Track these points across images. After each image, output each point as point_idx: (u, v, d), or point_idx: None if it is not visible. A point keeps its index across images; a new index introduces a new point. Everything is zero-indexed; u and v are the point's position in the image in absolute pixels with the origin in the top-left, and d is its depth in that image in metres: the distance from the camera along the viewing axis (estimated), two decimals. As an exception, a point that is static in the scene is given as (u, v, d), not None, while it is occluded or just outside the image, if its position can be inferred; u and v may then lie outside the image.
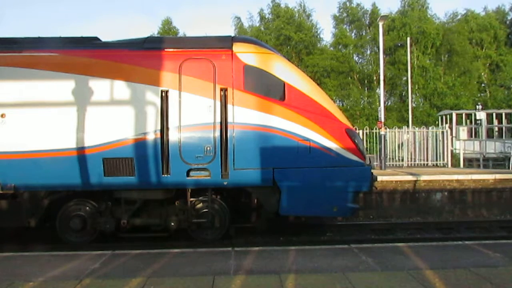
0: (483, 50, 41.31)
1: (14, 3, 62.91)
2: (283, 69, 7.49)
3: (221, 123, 7.13)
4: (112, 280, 4.76)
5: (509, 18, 43.57)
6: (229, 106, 7.16)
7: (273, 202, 7.42)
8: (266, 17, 42.98)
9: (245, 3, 69.01)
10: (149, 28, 59.16)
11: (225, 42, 7.53)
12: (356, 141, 7.46)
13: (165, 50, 7.43)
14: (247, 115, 7.17)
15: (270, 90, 7.32)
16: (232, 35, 8.63)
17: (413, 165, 17.22)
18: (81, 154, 7.00)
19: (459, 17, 42.68)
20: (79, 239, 7.52)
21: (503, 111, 26.57)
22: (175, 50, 7.43)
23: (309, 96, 7.44)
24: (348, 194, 7.44)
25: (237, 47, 7.43)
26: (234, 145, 7.10)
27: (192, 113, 7.14)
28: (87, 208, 7.56)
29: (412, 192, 11.56)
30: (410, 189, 11.58)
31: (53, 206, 7.56)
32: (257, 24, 42.85)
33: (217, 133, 7.10)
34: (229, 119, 7.14)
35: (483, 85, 42.02)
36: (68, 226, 7.46)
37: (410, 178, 11.75)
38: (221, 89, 7.20)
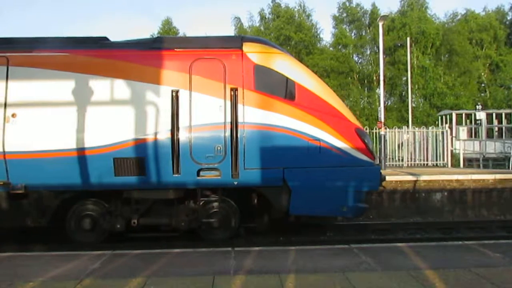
0: (483, 50, 41.32)
1: (14, 3, 62.96)
2: (293, 69, 7.51)
3: (231, 123, 7.13)
4: (112, 280, 4.75)
5: (509, 18, 43.61)
6: (239, 106, 7.16)
7: (283, 201, 7.41)
8: (266, 17, 43.03)
9: (245, 3, 69.08)
10: (149, 28, 59.17)
11: (235, 42, 7.56)
12: (365, 141, 7.47)
13: (176, 50, 7.45)
14: (258, 115, 7.18)
15: (281, 90, 7.33)
16: (242, 35, 8.68)
17: (413, 165, 17.22)
18: (91, 154, 6.99)
19: (459, 17, 42.75)
20: (90, 239, 7.49)
21: (503, 111, 26.61)
22: (185, 50, 7.44)
23: (319, 96, 7.45)
24: (358, 194, 7.45)
25: (247, 47, 7.44)
26: (245, 145, 7.10)
27: (203, 113, 7.14)
28: (97, 208, 7.54)
29: (412, 192, 11.56)
30: (410, 189, 11.58)
31: (62, 206, 7.54)
32: (257, 24, 42.90)
33: (228, 133, 7.11)
34: (240, 119, 7.14)
35: (483, 85, 42.03)
36: (78, 226, 7.46)
37: (410, 178, 11.75)
38: (231, 89, 7.20)
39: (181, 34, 41.29)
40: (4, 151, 6.95)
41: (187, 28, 55.84)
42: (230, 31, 42.31)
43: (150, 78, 7.20)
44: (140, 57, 7.34)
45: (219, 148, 7.08)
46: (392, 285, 4.52)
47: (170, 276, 4.89)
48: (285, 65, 7.50)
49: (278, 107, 7.24)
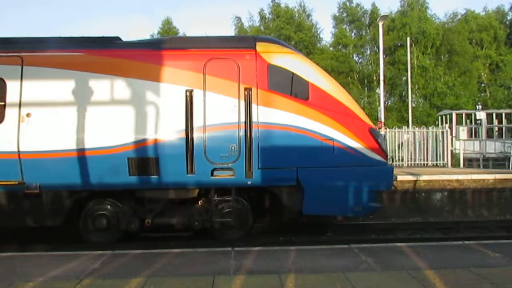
0: (483, 50, 41.38)
1: (14, 3, 62.96)
2: (306, 69, 7.54)
3: (245, 122, 7.15)
4: (112, 280, 4.75)
5: (509, 18, 43.66)
6: (254, 106, 7.18)
7: (296, 201, 7.42)
8: (266, 17, 43.06)
9: (245, 3, 69.08)
10: (149, 28, 59.21)
11: (249, 42, 7.61)
12: (379, 141, 7.50)
13: (190, 49, 7.47)
14: (271, 114, 7.20)
15: (294, 89, 7.36)
16: (254, 35, 8.73)
17: (413, 165, 17.20)
18: (106, 154, 7.00)
19: (459, 17, 42.85)
20: (103, 239, 7.47)
21: (503, 111, 26.64)
22: (199, 50, 7.46)
23: (332, 96, 7.48)
24: (371, 194, 7.48)
25: (261, 47, 7.47)
26: (259, 145, 7.12)
27: (217, 112, 7.16)
28: (111, 207, 7.53)
29: (412, 192, 11.55)
30: (410, 189, 11.57)
31: (75, 206, 7.53)
32: (257, 24, 42.90)
33: (242, 133, 7.13)
34: (254, 119, 7.16)
35: (483, 85, 42.11)
36: (92, 226, 7.45)
37: (410, 178, 11.74)
38: (245, 89, 7.22)
39: (181, 34, 41.35)
40: (19, 151, 6.95)
41: (187, 28, 55.89)
42: (230, 31, 42.36)
43: (164, 77, 7.23)
44: (155, 57, 7.34)
45: (233, 147, 7.09)
46: (392, 285, 4.52)
47: (170, 276, 4.89)
48: (298, 64, 7.52)
49: (292, 106, 7.26)
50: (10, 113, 7.04)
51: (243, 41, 7.84)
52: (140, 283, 4.65)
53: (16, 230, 7.77)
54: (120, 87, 7.17)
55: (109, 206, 7.54)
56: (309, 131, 7.20)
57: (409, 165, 17.19)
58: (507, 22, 43.24)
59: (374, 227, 9.66)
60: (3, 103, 7.10)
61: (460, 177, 11.88)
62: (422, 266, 5.12)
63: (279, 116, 7.19)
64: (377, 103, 35.16)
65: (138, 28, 59.84)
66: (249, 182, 7.18)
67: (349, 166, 7.28)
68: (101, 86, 7.16)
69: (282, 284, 4.57)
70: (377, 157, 7.42)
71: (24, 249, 6.71)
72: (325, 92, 7.45)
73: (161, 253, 5.99)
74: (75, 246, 7.20)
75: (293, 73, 7.40)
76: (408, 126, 20.80)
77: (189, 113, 7.13)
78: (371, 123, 7.75)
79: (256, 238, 8.20)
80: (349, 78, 40.71)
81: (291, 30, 40.15)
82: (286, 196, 7.53)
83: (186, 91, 7.18)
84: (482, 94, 41.45)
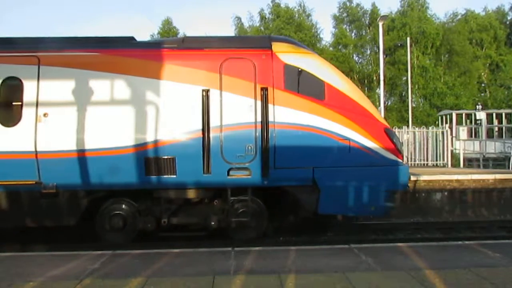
0: (483, 50, 41.38)
1: (14, 3, 62.98)
2: (322, 69, 7.55)
3: (262, 122, 7.16)
4: (112, 280, 4.75)
5: (509, 18, 43.66)
6: (270, 106, 7.19)
7: (312, 201, 7.43)
8: (266, 17, 43.03)
9: (245, 3, 69.09)
10: (149, 28, 59.20)
11: (265, 42, 7.64)
12: (394, 141, 7.50)
13: (205, 49, 7.48)
14: (288, 114, 7.21)
15: (310, 89, 7.36)
16: (269, 35, 8.72)
17: (413, 165, 17.20)
18: (123, 154, 7.01)
19: (459, 17, 42.81)
20: (119, 239, 7.46)
21: (503, 111, 26.66)
22: (215, 49, 7.46)
23: (348, 96, 7.49)
24: (386, 193, 7.50)
25: (277, 47, 7.49)
26: (275, 144, 7.13)
27: (233, 112, 7.16)
28: (127, 207, 7.53)
29: (412, 192, 11.55)
30: (410, 189, 11.54)
31: (90, 206, 7.53)
32: (257, 24, 42.89)
33: (258, 132, 7.13)
34: (270, 118, 7.17)
35: (483, 85, 42.11)
36: (107, 226, 7.45)
37: (410, 178, 11.73)
38: (262, 89, 7.22)
39: (181, 34, 41.30)
40: (36, 151, 6.96)
41: (187, 28, 55.85)
42: (230, 31, 42.31)
43: (180, 77, 7.24)
44: (170, 57, 7.35)
45: (249, 147, 7.10)
46: (392, 285, 4.52)
47: (170, 276, 4.89)
48: (314, 64, 7.53)
49: (308, 106, 7.26)
50: (27, 113, 7.06)
51: (259, 41, 7.87)
52: (140, 283, 4.65)
53: (16, 230, 7.77)
54: (136, 87, 7.19)
55: (125, 206, 7.53)
56: (325, 131, 7.22)
57: (409, 165, 17.14)
58: (507, 22, 43.24)
59: (374, 227, 9.66)
60: (20, 103, 7.12)
61: (460, 177, 11.87)
62: (422, 266, 5.12)
63: (295, 116, 7.21)
64: (377, 103, 35.09)
65: (138, 28, 59.85)
66: (265, 182, 7.19)
67: (365, 166, 7.29)
68: (117, 86, 7.17)
69: (282, 284, 4.57)
70: (393, 157, 7.43)
71: (24, 249, 6.72)
72: (341, 92, 7.46)
73: (161, 253, 5.99)
74: (75, 246, 7.20)
75: (309, 73, 7.40)
76: (408, 126, 20.80)
77: (205, 113, 7.13)
78: (386, 123, 7.78)
79: (256, 238, 8.21)
80: (349, 78, 40.36)
81: (291, 30, 40.08)
82: (302, 196, 7.53)
83: (203, 91, 7.18)
84: (482, 94, 41.47)
